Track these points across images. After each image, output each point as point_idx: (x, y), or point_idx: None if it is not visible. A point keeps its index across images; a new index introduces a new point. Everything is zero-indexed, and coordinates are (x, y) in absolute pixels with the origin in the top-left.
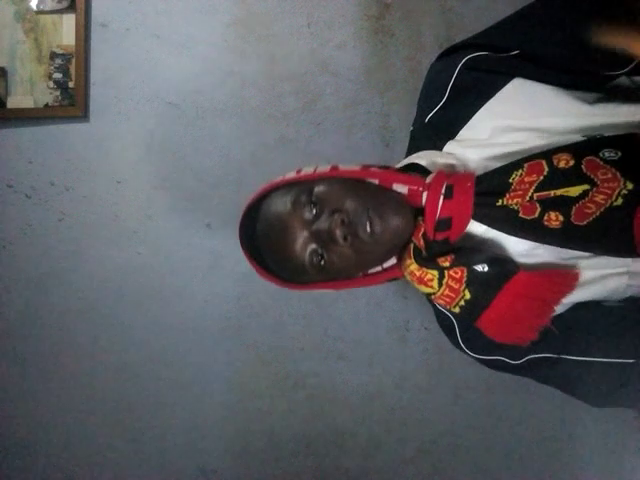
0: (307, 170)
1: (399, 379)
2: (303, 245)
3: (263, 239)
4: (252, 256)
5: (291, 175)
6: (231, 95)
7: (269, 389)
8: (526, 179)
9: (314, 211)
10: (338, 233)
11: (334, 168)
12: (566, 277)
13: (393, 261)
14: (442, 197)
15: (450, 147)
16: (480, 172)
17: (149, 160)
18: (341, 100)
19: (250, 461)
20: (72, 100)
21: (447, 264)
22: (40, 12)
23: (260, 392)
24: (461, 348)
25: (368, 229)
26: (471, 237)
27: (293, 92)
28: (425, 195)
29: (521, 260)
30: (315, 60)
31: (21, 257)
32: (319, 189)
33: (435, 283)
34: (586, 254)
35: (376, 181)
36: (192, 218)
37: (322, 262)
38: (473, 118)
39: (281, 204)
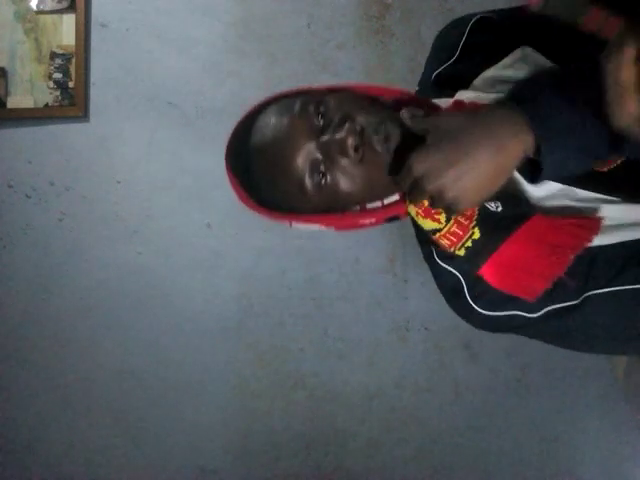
0: (317, 86)
1: (399, 379)
2: (306, 156)
3: (258, 150)
4: (238, 178)
5: (294, 88)
6: (231, 95)
7: (269, 389)
8: None
9: (322, 121)
10: (350, 142)
11: (347, 84)
12: (588, 223)
13: (395, 197)
14: None
15: (462, 94)
16: None
17: (149, 160)
18: None
19: (250, 461)
20: (72, 100)
21: None
22: (40, 12)
23: (260, 392)
24: (468, 309)
25: (382, 143)
26: None
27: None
28: None
29: (539, 203)
30: (315, 60)
31: (21, 257)
32: (330, 99)
33: (443, 217)
34: (609, 198)
35: (390, 101)
36: (192, 218)
37: (324, 180)
38: (481, 75)
39: (284, 111)
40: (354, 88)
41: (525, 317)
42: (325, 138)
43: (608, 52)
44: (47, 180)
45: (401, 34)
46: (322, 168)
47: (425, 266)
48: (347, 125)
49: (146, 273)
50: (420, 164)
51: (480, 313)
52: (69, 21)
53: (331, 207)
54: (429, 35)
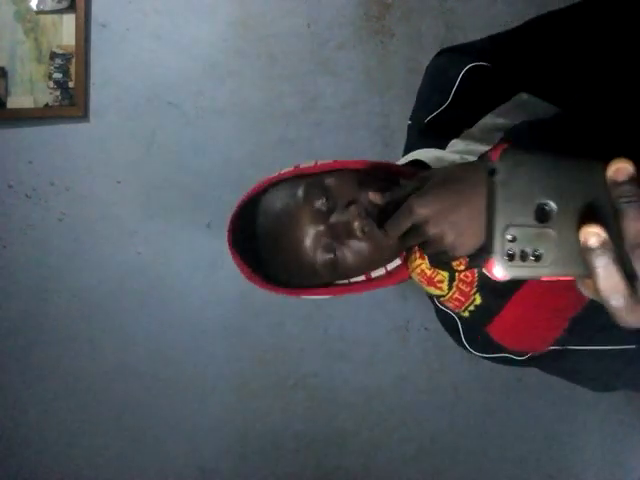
0: (306, 165)
1: (399, 379)
2: (316, 240)
3: (265, 235)
4: (243, 255)
5: (289, 170)
6: (231, 95)
7: (269, 389)
8: None
9: (326, 204)
10: (357, 225)
11: (336, 162)
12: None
13: (397, 262)
14: None
15: (454, 145)
16: None
17: (149, 160)
18: (341, 100)
19: (250, 461)
20: (72, 100)
21: (461, 267)
22: (40, 12)
23: (260, 392)
24: (464, 347)
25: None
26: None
27: (293, 92)
28: None
29: None
30: (315, 60)
31: (21, 257)
32: (330, 181)
33: (445, 285)
34: None
35: (382, 175)
36: (192, 218)
37: (333, 258)
38: (478, 123)
39: (289, 196)
40: (344, 164)
41: (513, 359)
42: (333, 221)
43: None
44: (47, 180)
45: (401, 34)
46: (332, 246)
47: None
48: (352, 208)
49: (146, 273)
50: (422, 209)
51: (474, 353)
52: (69, 21)
53: (343, 277)
54: (429, 35)
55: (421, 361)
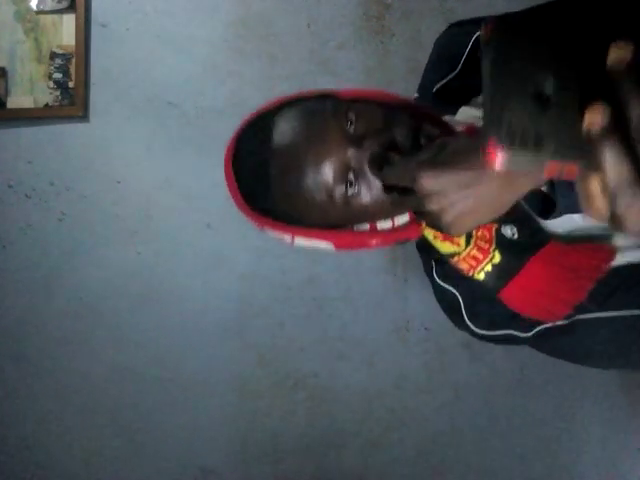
0: (346, 89)
1: (399, 379)
2: (338, 163)
3: (279, 153)
4: (240, 179)
5: (323, 90)
6: (231, 95)
7: (269, 389)
8: None
9: (352, 129)
10: (386, 157)
11: (359, 90)
12: (602, 252)
13: (405, 218)
14: None
15: (464, 111)
16: None
17: (149, 160)
18: None
19: (250, 461)
20: (72, 100)
21: None
22: (40, 12)
23: (260, 392)
24: (465, 326)
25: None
26: None
27: (293, 92)
28: None
29: (553, 230)
30: (315, 60)
31: (21, 257)
32: (360, 106)
33: (462, 240)
34: None
35: (406, 115)
36: (192, 218)
37: (350, 191)
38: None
39: (314, 112)
40: (377, 96)
41: (518, 336)
42: (364, 147)
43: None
44: (47, 180)
45: (401, 34)
46: (351, 177)
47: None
48: (385, 136)
49: (146, 273)
50: (428, 180)
51: (475, 331)
52: (69, 21)
53: (343, 221)
54: (429, 35)
55: (421, 361)
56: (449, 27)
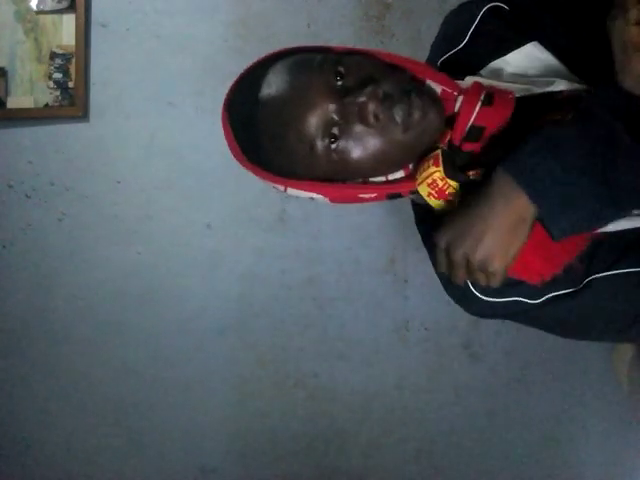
0: (337, 46)
1: (399, 379)
2: (322, 116)
3: (266, 104)
4: (235, 129)
5: (317, 45)
6: None
7: (269, 389)
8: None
9: (340, 82)
10: (371, 108)
11: (367, 49)
12: None
13: (400, 174)
14: (480, 102)
15: (470, 79)
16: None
17: (149, 160)
18: None
19: (250, 461)
20: (72, 100)
21: (478, 178)
22: (40, 12)
23: (260, 392)
24: (470, 296)
25: (405, 113)
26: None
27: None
28: (460, 100)
29: None
30: None
31: (21, 257)
32: (351, 59)
33: (456, 199)
34: None
35: (409, 73)
36: (192, 218)
37: (335, 145)
38: (489, 65)
39: (302, 65)
40: (374, 53)
41: (526, 303)
42: (347, 100)
43: (613, 15)
44: (47, 180)
45: (401, 34)
46: (336, 131)
47: (425, 266)
48: (370, 89)
49: (146, 273)
50: (441, 239)
51: (480, 299)
52: (69, 21)
53: (334, 175)
54: (429, 35)
55: (421, 361)
56: (459, 5)
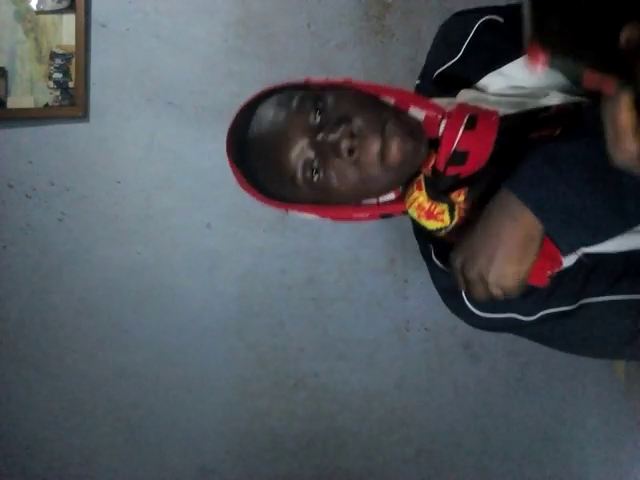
0: (317, 78)
1: (399, 379)
2: (300, 152)
3: (255, 141)
4: (237, 164)
5: (298, 80)
6: (231, 95)
7: (269, 389)
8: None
9: (319, 119)
10: (344, 145)
11: (347, 80)
12: None
13: (391, 196)
14: (463, 127)
15: (464, 93)
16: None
17: (149, 160)
18: None
19: (250, 461)
20: (72, 100)
21: (461, 198)
22: (40, 12)
23: (260, 392)
24: (466, 311)
25: (378, 147)
26: (482, 168)
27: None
28: (444, 124)
29: None
30: (315, 60)
31: (21, 257)
32: (329, 97)
33: (446, 216)
34: None
35: (392, 101)
36: (192, 218)
37: (316, 177)
38: (485, 77)
39: (283, 105)
40: (354, 85)
41: (520, 320)
42: (319, 137)
43: (606, 98)
44: (47, 180)
45: (401, 34)
46: (315, 165)
47: (425, 266)
48: (343, 126)
49: (146, 273)
50: (455, 259)
51: (476, 315)
52: (69, 21)
53: (323, 201)
54: (429, 35)
55: (421, 361)
56: (453, 15)
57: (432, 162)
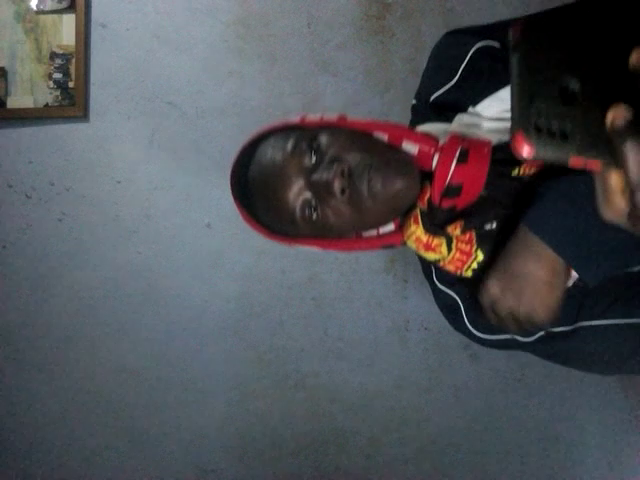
0: (312, 117)
1: (399, 379)
2: (297, 193)
3: (255, 183)
4: (242, 203)
5: (294, 120)
6: (231, 95)
7: (269, 389)
8: None
9: (314, 159)
10: (336, 185)
11: (342, 118)
12: None
13: (391, 227)
14: (455, 161)
15: (460, 119)
16: (495, 143)
17: (149, 160)
18: (341, 100)
19: (250, 461)
20: (72, 100)
21: (457, 232)
22: (40, 12)
23: (260, 392)
24: (465, 330)
25: (368, 186)
26: (477, 199)
27: (293, 92)
28: (436, 158)
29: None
30: (315, 60)
31: (21, 257)
32: (322, 137)
33: (444, 248)
34: None
35: (385, 137)
36: (192, 218)
37: (314, 215)
38: (482, 102)
39: (279, 148)
40: (348, 123)
41: (519, 341)
42: (314, 178)
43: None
44: (47, 180)
45: (401, 34)
46: (313, 204)
47: None
48: (335, 167)
49: (146, 273)
50: (485, 299)
51: (476, 335)
52: (69, 21)
53: (325, 235)
54: (429, 35)
55: (421, 361)
56: (446, 35)
57: (427, 195)
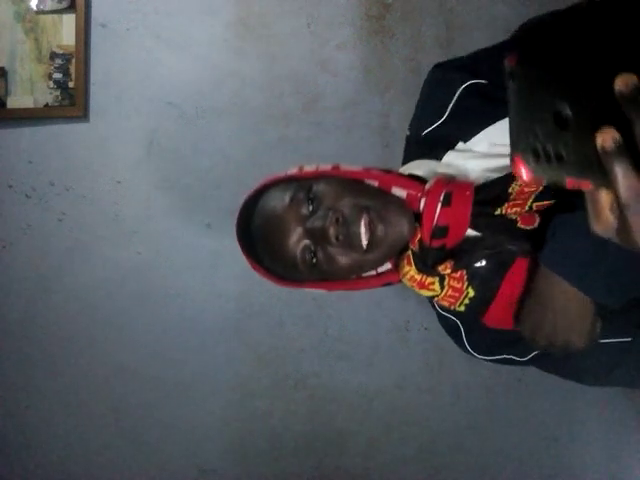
0: (309, 168)
1: (399, 379)
2: (296, 241)
3: (258, 233)
4: (248, 251)
5: (292, 171)
6: (231, 95)
7: (269, 389)
8: (526, 189)
9: (311, 208)
10: (331, 232)
11: (335, 167)
12: None
13: (388, 266)
14: (440, 205)
15: (449, 157)
16: (480, 182)
17: (149, 160)
18: (341, 100)
19: (250, 461)
20: (72, 100)
21: (448, 271)
22: (40, 12)
23: (260, 392)
24: (467, 351)
25: (361, 231)
26: (466, 238)
27: (293, 92)
28: (423, 201)
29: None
30: (315, 60)
31: (21, 257)
32: (318, 186)
33: (437, 286)
34: None
35: (376, 183)
36: (192, 218)
37: (314, 260)
38: (473, 139)
39: (279, 199)
40: (341, 172)
41: (516, 360)
42: (310, 225)
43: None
44: (47, 180)
45: (401, 34)
46: (313, 249)
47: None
48: (330, 214)
49: (146, 273)
50: (524, 332)
51: (477, 357)
52: (69, 21)
53: (328, 278)
54: (429, 35)
55: (421, 361)
56: (434, 69)
57: (418, 236)
